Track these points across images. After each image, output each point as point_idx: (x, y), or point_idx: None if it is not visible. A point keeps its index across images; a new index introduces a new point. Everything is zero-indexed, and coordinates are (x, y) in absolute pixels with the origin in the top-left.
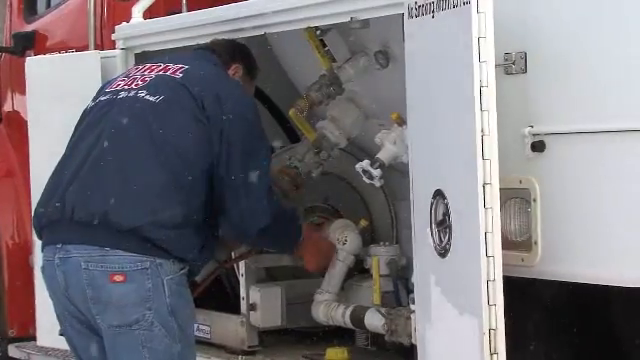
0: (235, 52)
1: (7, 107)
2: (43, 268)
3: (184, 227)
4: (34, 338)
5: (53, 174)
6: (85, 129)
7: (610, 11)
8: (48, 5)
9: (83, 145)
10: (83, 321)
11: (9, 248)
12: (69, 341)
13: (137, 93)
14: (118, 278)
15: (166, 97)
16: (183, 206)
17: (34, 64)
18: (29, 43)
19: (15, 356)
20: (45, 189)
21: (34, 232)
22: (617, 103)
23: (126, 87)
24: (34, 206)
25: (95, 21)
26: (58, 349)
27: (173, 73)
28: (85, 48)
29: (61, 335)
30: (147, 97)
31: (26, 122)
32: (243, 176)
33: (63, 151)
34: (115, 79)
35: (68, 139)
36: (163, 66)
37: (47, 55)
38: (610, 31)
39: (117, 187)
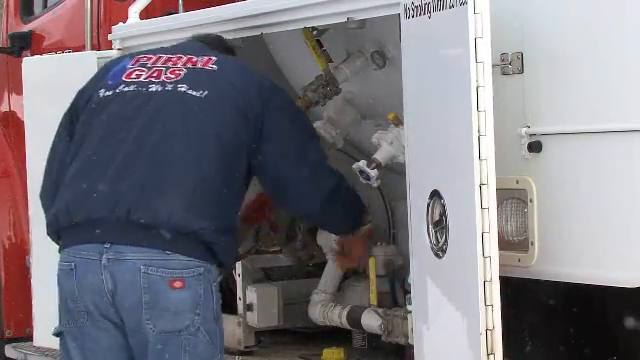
0: (224, 46)
1: (4, 107)
2: (73, 264)
3: (232, 231)
4: (31, 338)
5: (79, 165)
6: (114, 121)
7: (607, 11)
8: (45, 5)
9: (118, 138)
10: (115, 323)
11: (5, 248)
12: (75, 339)
13: (177, 87)
14: (177, 284)
15: (210, 92)
16: (234, 209)
17: (31, 64)
18: (26, 43)
19: (12, 356)
20: (69, 182)
21: (49, 226)
22: (614, 103)
23: (155, 79)
24: (32, 206)
25: (92, 21)
26: (55, 349)
27: (205, 65)
28: (82, 48)
29: (56, 335)
30: (191, 92)
31: (23, 122)
32: (304, 152)
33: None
34: (121, 68)
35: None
36: (186, 58)
37: (44, 55)
38: (607, 31)
39: (180, 189)
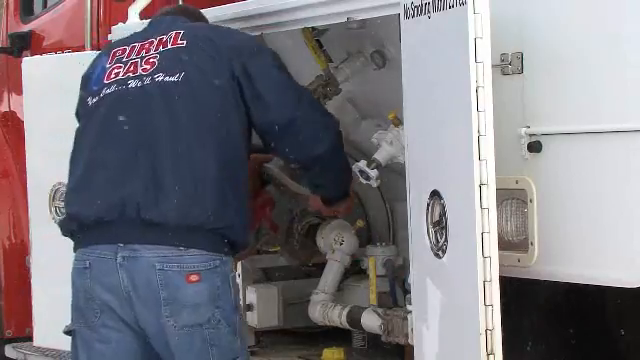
0: (195, 15)
1: (4, 107)
2: (88, 262)
3: (244, 212)
4: (31, 338)
5: (81, 171)
6: (105, 125)
7: (606, 11)
8: (44, 5)
9: (113, 142)
10: (130, 325)
11: (5, 248)
12: (85, 338)
13: (154, 78)
14: (194, 278)
15: (186, 72)
16: (240, 189)
17: (30, 64)
18: (25, 43)
19: (12, 356)
20: (76, 187)
21: (63, 230)
22: (613, 103)
23: (132, 75)
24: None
25: (92, 21)
26: (55, 349)
27: (174, 43)
28: (81, 48)
29: (67, 333)
30: (168, 79)
31: (23, 122)
32: (296, 102)
33: (61, 149)
34: (101, 70)
35: (67, 138)
36: (157, 40)
37: (43, 55)
38: (606, 31)
39: (181, 183)
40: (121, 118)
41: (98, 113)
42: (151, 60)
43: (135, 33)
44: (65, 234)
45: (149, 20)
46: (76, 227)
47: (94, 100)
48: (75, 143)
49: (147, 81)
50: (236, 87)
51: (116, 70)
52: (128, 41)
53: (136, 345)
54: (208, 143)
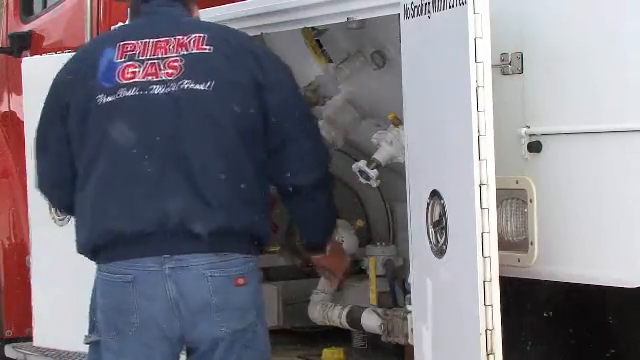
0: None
1: (3, 107)
2: (131, 276)
3: (266, 211)
4: (31, 338)
5: (111, 182)
6: (131, 132)
7: (606, 11)
8: (44, 5)
9: (149, 152)
10: (168, 337)
11: (5, 248)
12: (112, 351)
13: (181, 86)
14: (241, 281)
15: (215, 81)
16: (265, 191)
17: (30, 64)
18: (25, 43)
19: (12, 356)
20: (108, 200)
21: (86, 244)
22: (613, 103)
23: (154, 79)
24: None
25: (91, 21)
26: (55, 349)
27: (198, 47)
28: None
29: (88, 344)
30: (197, 87)
31: (22, 122)
32: (305, 121)
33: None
34: (108, 63)
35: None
36: (174, 40)
37: (43, 55)
38: (606, 31)
39: (221, 193)
40: (151, 127)
41: (119, 118)
42: (174, 64)
43: (138, 25)
44: (85, 252)
45: (142, 9)
46: (109, 240)
47: (108, 99)
48: (86, 142)
49: (173, 88)
50: (257, 97)
51: (132, 69)
52: (135, 35)
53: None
54: (239, 151)
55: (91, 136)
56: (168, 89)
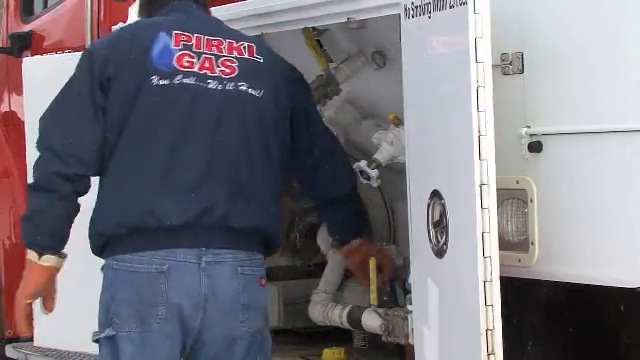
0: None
1: (4, 107)
2: (166, 267)
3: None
4: (31, 338)
5: (164, 167)
6: (185, 120)
7: (607, 11)
8: (45, 5)
9: (197, 141)
10: (186, 332)
11: (6, 248)
12: (133, 343)
13: (237, 87)
14: (263, 281)
15: (265, 90)
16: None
17: (31, 64)
18: (26, 43)
19: (12, 356)
20: (158, 185)
21: (123, 226)
22: (614, 103)
23: (211, 74)
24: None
25: (92, 21)
26: (55, 349)
27: (251, 55)
28: (82, 48)
29: (98, 339)
30: (251, 92)
31: (23, 122)
32: (331, 138)
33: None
34: (165, 48)
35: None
36: (226, 42)
37: (44, 55)
38: (607, 31)
39: (261, 194)
40: (206, 120)
41: (172, 102)
42: (230, 65)
43: (181, 20)
44: (106, 231)
45: (173, 5)
46: (141, 228)
47: (164, 82)
48: (130, 121)
49: (229, 87)
50: (288, 117)
51: (188, 59)
52: (186, 27)
53: (179, 353)
54: (275, 158)
55: (139, 117)
56: (223, 86)
